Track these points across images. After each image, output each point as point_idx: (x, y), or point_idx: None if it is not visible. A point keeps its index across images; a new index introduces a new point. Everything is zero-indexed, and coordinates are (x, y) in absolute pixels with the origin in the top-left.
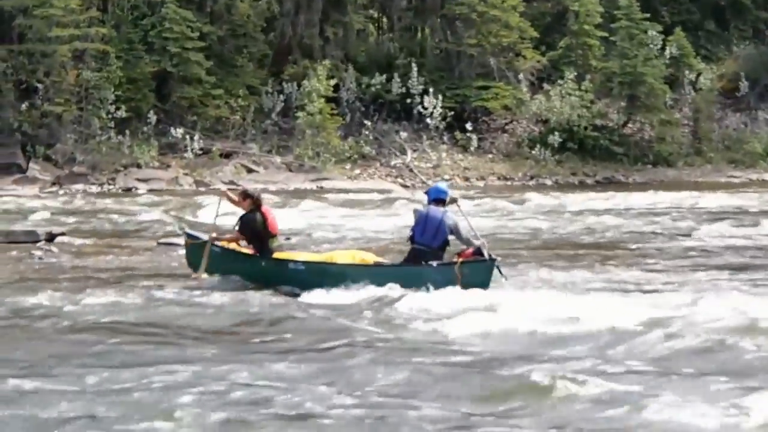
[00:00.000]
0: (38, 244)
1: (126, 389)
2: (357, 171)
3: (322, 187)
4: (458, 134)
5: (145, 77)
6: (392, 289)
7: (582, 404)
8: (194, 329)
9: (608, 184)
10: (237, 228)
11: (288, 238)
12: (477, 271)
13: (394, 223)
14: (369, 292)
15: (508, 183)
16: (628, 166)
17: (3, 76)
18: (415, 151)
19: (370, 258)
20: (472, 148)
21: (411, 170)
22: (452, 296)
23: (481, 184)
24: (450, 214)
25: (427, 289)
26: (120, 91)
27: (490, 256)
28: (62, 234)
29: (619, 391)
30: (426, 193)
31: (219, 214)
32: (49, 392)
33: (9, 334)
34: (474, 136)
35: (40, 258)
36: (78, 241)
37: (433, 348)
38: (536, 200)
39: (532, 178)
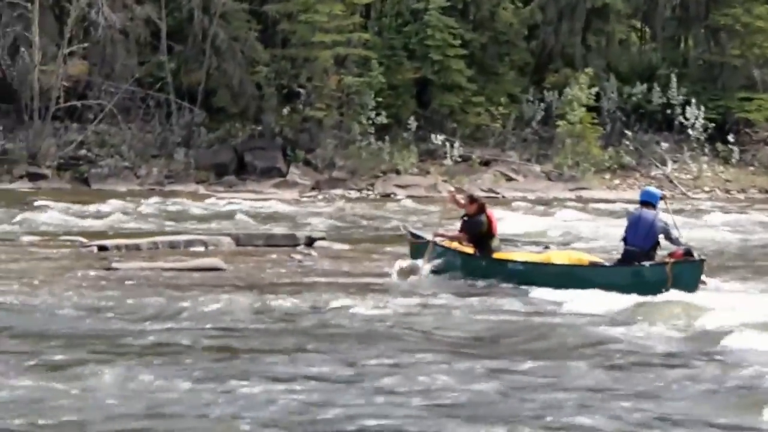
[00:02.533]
0: (298, 248)
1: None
2: (616, 181)
3: (580, 197)
4: (719, 146)
5: (406, 84)
6: (611, 290)
7: None
8: (441, 336)
9: None
10: (461, 228)
11: (547, 247)
12: (687, 271)
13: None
14: (592, 293)
15: None
16: None
17: (266, 80)
18: (675, 162)
19: (586, 258)
20: (733, 161)
21: (671, 181)
22: (698, 302)
23: (741, 197)
24: (661, 217)
25: (641, 290)
26: (381, 97)
27: (699, 256)
28: (321, 238)
29: None
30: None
31: (444, 217)
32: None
33: (267, 334)
34: (736, 148)
35: (299, 262)
36: (336, 246)
37: (685, 358)
38: None
39: None
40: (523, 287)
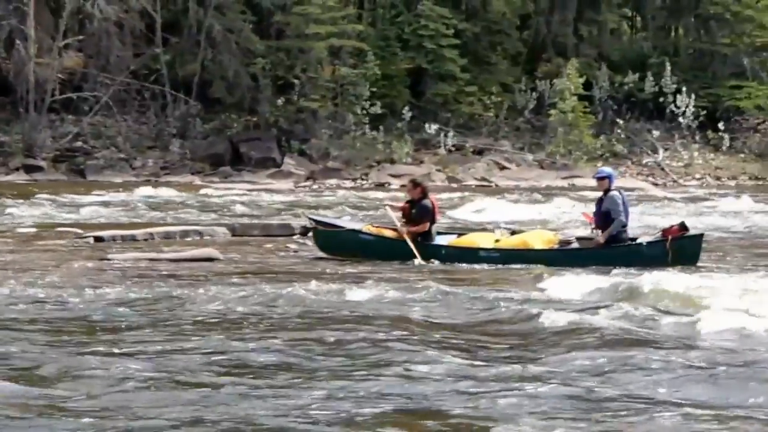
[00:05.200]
0: (293, 238)
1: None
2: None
3: (573, 185)
4: (710, 133)
5: (400, 74)
6: (607, 271)
7: None
8: (411, 321)
9: None
10: (413, 214)
11: (514, 232)
12: (687, 246)
13: (645, 221)
14: (577, 277)
15: (760, 183)
16: None
17: (261, 71)
18: (666, 150)
19: (554, 238)
20: (723, 148)
21: (662, 169)
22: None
23: (732, 183)
24: None
25: (641, 266)
26: (375, 88)
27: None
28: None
29: None
30: (607, 178)
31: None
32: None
33: (263, 323)
34: (726, 136)
35: (294, 251)
36: None
37: (682, 344)
38: None
39: None
40: (502, 270)
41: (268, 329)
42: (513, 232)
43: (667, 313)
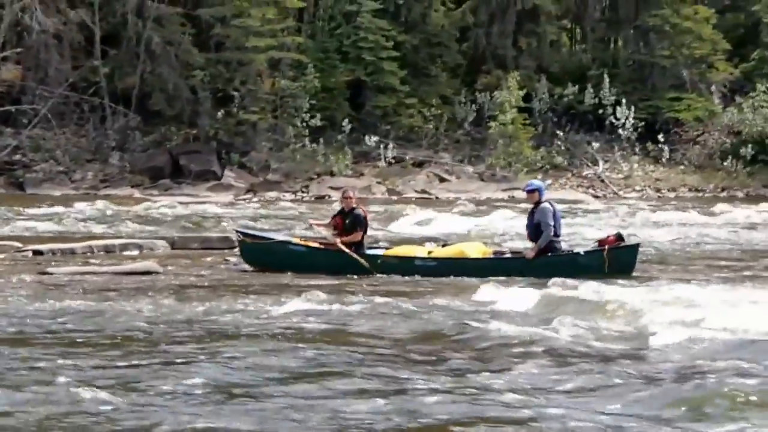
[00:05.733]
0: (233, 251)
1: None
2: (549, 181)
3: (513, 197)
4: (650, 145)
5: (340, 86)
6: (546, 281)
7: None
8: (370, 335)
9: None
10: (346, 224)
11: (446, 244)
12: (624, 255)
13: (583, 233)
14: (523, 289)
15: (699, 194)
16: None
17: (201, 84)
18: (606, 161)
19: (488, 249)
20: (663, 160)
21: (602, 181)
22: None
23: (672, 195)
24: None
25: (579, 275)
26: (315, 100)
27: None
28: None
29: None
30: (536, 190)
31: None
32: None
33: (204, 336)
34: (666, 148)
35: (235, 264)
36: None
37: (621, 353)
38: (726, 212)
39: (723, 189)
40: (438, 281)
41: (214, 344)
42: (444, 245)
43: (607, 324)
